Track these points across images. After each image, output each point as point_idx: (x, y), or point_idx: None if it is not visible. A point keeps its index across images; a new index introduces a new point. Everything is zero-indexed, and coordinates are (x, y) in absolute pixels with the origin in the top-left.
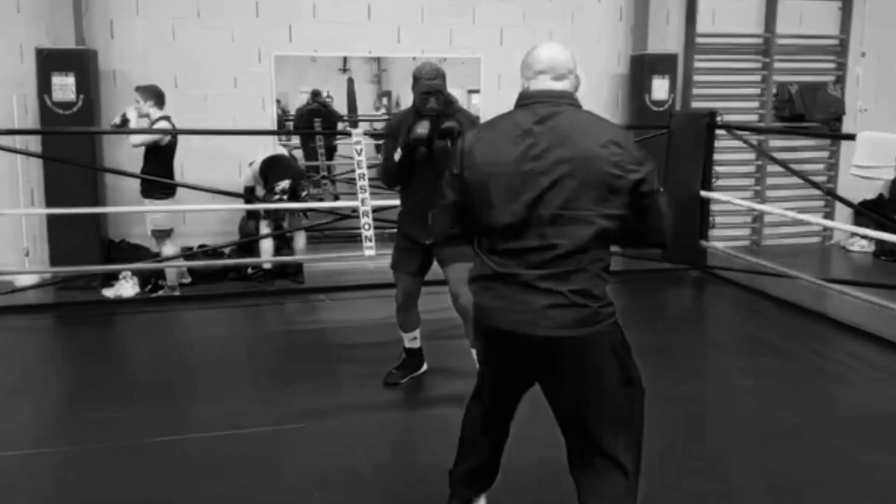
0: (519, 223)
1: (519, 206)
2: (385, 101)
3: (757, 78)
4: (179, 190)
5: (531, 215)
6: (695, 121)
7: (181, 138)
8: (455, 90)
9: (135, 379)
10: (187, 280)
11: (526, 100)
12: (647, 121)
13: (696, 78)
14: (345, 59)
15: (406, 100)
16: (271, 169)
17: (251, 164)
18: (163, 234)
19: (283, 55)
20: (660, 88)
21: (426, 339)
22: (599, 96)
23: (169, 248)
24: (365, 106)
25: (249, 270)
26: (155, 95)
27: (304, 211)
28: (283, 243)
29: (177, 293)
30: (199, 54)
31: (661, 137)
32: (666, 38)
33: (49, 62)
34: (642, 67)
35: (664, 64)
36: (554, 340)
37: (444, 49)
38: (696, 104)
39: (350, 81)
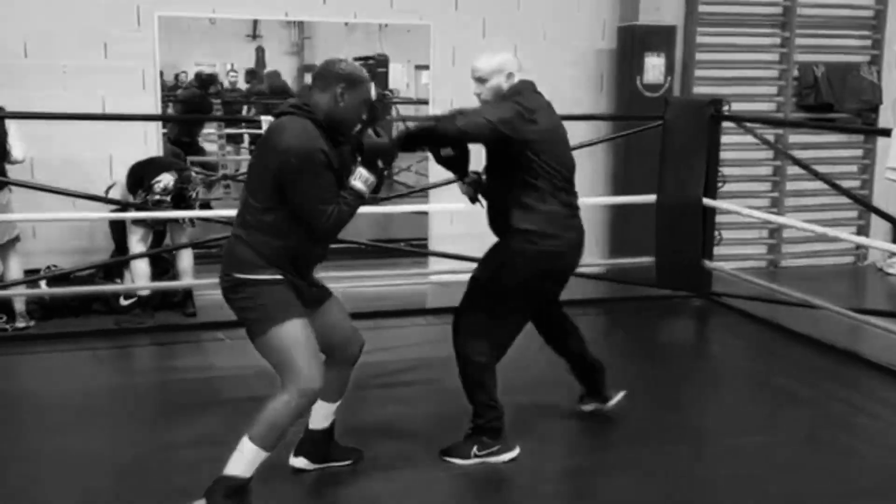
0: None
1: None
2: (309, 78)
3: (774, 57)
4: (24, 198)
5: None
6: (696, 110)
7: (26, 126)
8: (397, 65)
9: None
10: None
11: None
12: (638, 110)
13: (699, 57)
14: (255, 22)
15: None
16: (146, 170)
17: (111, 186)
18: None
19: (170, 16)
20: (654, 69)
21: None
22: (578, 77)
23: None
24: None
25: (122, 301)
26: None
27: (192, 219)
28: (166, 263)
29: (25, 324)
30: (56, 14)
31: (653, 131)
32: (662, 7)
33: None
34: (632, 42)
35: (659, 38)
36: None
37: (382, 13)
38: (698, 89)
39: (260, 51)
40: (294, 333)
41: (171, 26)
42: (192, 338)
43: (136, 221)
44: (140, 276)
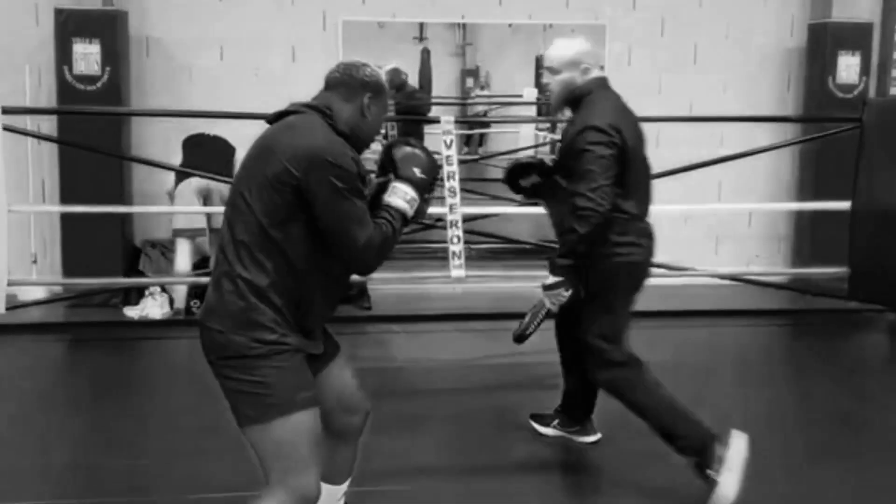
0: None
1: None
2: (471, 80)
3: None
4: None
5: None
6: None
7: (232, 125)
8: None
9: (161, 419)
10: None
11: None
12: (831, 111)
13: None
14: (421, 25)
15: (499, 78)
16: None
17: None
18: (180, 234)
19: (353, 20)
20: (848, 68)
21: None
22: (763, 77)
23: (181, 258)
24: (443, 85)
25: None
26: None
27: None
28: None
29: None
30: (250, 20)
31: (848, 134)
32: (857, 1)
33: (70, 26)
34: (824, 40)
35: (854, 36)
36: None
37: (557, 13)
38: (895, 91)
39: (425, 53)
40: (303, 426)
41: (349, 30)
42: (368, 330)
43: None
44: None
